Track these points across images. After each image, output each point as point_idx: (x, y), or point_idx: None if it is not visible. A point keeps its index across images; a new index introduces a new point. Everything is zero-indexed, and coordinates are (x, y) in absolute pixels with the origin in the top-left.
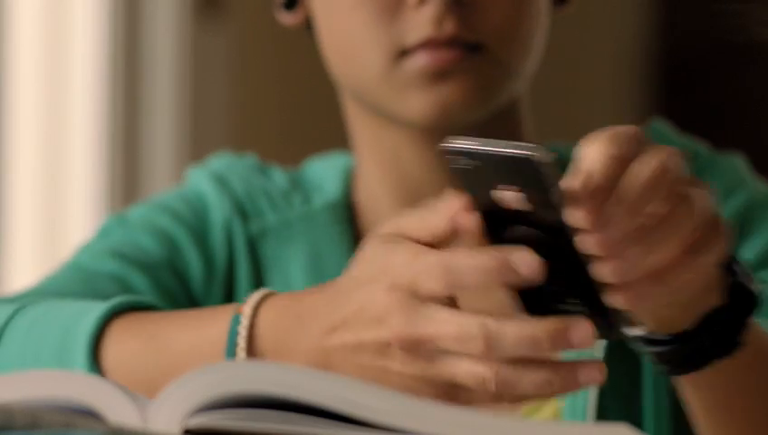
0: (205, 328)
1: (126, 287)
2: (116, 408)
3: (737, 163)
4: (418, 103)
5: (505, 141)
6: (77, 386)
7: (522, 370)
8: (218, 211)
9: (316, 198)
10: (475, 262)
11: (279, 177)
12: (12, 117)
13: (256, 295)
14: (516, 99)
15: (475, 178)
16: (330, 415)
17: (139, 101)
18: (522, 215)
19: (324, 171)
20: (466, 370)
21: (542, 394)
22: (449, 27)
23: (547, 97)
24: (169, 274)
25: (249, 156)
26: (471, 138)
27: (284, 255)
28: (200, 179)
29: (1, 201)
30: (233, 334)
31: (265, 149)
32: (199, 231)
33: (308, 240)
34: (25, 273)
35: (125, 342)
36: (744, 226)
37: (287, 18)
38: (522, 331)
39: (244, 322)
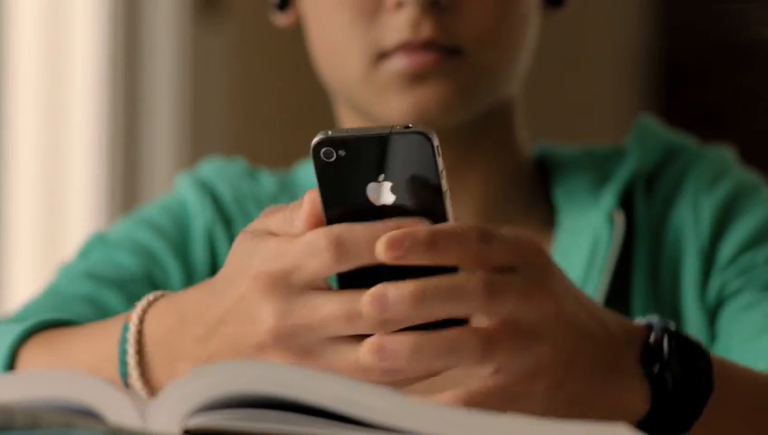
0: (102, 339)
1: (99, 307)
2: (116, 408)
3: (723, 153)
4: (397, 105)
5: (369, 127)
6: (77, 386)
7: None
8: (199, 219)
9: None
10: (369, 231)
11: (267, 181)
12: (12, 117)
13: (144, 300)
14: (508, 100)
15: (342, 173)
16: (329, 415)
17: (139, 101)
18: (386, 211)
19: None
20: (349, 361)
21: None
22: (426, 31)
23: (548, 97)
24: (147, 287)
25: (238, 160)
26: (338, 129)
27: None
28: (185, 187)
29: (1, 201)
30: (122, 341)
31: (265, 149)
32: (179, 242)
33: None
34: (25, 274)
35: (36, 358)
36: (731, 211)
37: (280, 19)
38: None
39: (132, 328)
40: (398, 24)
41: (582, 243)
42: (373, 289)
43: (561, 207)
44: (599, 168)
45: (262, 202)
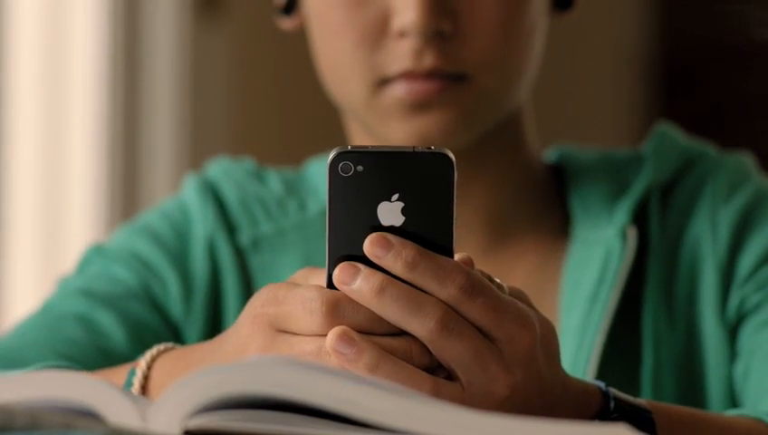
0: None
1: (91, 326)
2: (116, 409)
3: (743, 161)
4: (399, 132)
5: (390, 145)
6: (77, 387)
7: None
8: (200, 226)
9: (311, 205)
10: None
11: (275, 182)
12: (12, 117)
13: (155, 349)
14: (519, 108)
15: (356, 190)
16: (329, 415)
17: (140, 101)
18: (392, 233)
19: (323, 173)
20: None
21: None
22: (429, 60)
23: (549, 99)
24: (140, 303)
25: (246, 160)
26: (358, 145)
27: (278, 264)
28: (190, 190)
29: (0, 201)
30: (127, 385)
31: (265, 150)
32: (177, 250)
33: (302, 248)
34: (25, 272)
35: None
36: (749, 222)
37: (285, 23)
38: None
39: (139, 373)
40: (401, 53)
41: (595, 256)
42: (345, 264)
43: (578, 219)
44: (616, 177)
45: (267, 205)
